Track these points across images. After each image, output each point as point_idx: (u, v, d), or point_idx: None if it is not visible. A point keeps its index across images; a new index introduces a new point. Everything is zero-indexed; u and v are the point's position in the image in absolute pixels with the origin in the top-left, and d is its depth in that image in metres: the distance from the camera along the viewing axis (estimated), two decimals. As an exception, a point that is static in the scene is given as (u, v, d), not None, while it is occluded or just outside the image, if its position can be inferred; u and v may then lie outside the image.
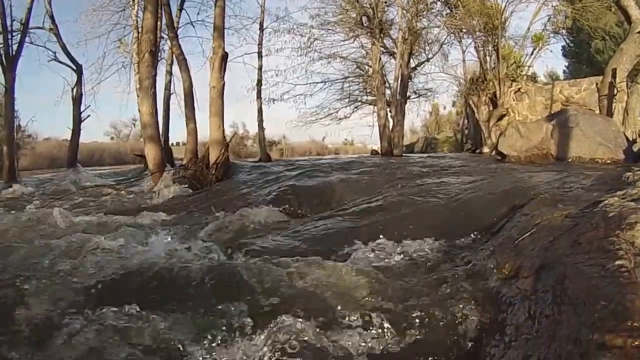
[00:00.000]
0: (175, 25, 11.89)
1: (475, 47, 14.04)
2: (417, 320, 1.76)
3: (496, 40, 12.97)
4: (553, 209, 2.25)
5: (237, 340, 1.66)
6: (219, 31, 7.93)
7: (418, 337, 1.70)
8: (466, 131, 19.25)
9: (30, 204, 6.13)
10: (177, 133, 57.53)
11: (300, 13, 19.92)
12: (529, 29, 13.88)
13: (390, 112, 13.43)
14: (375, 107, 14.04)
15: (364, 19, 13.28)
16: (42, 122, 50.26)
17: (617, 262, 1.25)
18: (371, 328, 1.71)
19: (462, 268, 2.26)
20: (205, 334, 1.70)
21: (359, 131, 20.17)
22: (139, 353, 1.60)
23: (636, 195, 1.68)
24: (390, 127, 13.23)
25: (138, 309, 1.82)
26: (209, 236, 3.66)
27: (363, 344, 1.64)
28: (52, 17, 13.39)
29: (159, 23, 8.76)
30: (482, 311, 1.73)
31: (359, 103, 16.18)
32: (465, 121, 19.26)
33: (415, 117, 34.46)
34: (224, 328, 1.73)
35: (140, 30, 9.69)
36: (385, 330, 1.70)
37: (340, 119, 16.35)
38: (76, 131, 14.20)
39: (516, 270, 1.74)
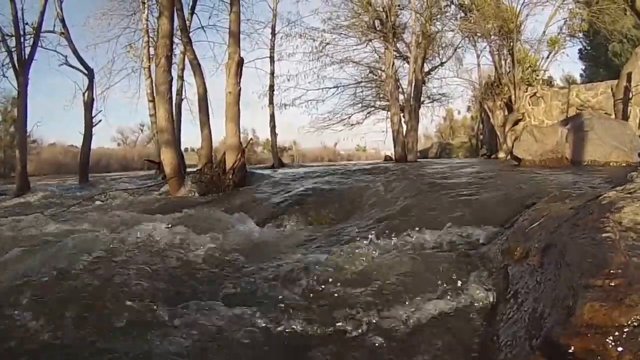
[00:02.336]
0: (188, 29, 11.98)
1: (490, 51, 14.05)
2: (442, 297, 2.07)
3: (511, 44, 12.91)
4: (561, 204, 2.50)
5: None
6: (235, 37, 8.00)
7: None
8: (481, 136, 19.16)
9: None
10: (186, 139, 58.20)
11: (312, 17, 19.84)
12: (544, 32, 13.73)
13: (403, 117, 13.43)
14: (389, 113, 14.05)
15: (377, 22, 13.34)
16: (48, 127, 50.70)
17: (604, 235, 1.62)
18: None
19: (482, 253, 2.59)
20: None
21: (372, 137, 20.13)
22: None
23: (632, 190, 1.81)
24: (404, 132, 13.22)
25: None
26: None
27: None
28: (62, 21, 13.35)
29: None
30: (498, 285, 2.04)
31: (372, 108, 16.21)
32: (480, 126, 19.17)
33: (430, 122, 34.35)
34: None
35: (155, 35, 9.76)
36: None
37: (352, 124, 16.41)
38: (87, 137, 13.88)
39: (526, 252, 2.05)
